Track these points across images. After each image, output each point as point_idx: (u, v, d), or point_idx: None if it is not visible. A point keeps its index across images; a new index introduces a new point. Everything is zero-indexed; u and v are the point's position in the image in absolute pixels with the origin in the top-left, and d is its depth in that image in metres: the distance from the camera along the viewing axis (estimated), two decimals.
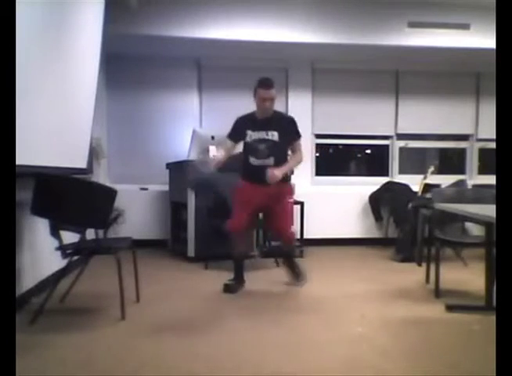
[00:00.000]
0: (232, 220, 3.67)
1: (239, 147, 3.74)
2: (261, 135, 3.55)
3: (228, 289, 3.62)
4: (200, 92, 5.99)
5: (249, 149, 3.60)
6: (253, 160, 3.57)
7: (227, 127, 5.27)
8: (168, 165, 5.42)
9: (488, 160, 6.33)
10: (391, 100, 6.20)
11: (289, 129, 3.62)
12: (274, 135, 3.54)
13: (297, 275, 3.85)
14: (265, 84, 3.52)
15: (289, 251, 3.91)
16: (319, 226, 5.78)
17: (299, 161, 3.69)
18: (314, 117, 6.06)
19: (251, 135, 3.57)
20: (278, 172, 3.40)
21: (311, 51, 5.68)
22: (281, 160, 3.56)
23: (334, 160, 6.72)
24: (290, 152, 3.73)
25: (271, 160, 3.53)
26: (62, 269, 3.06)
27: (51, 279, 3.41)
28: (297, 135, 3.67)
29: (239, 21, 5.18)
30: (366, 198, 5.98)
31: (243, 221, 3.63)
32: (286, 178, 3.67)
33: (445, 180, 5.62)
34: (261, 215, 3.98)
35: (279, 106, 5.89)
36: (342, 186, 6.11)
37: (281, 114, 3.79)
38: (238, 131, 3.65)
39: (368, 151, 6.71)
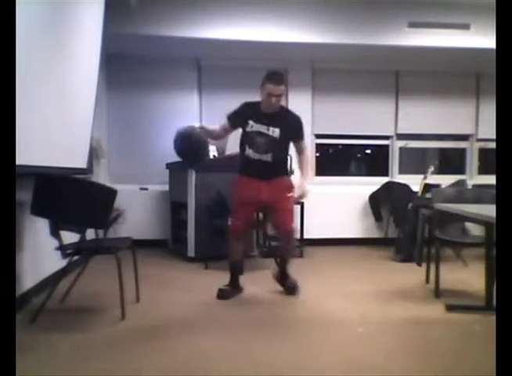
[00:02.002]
0: (233, 221, 3.51)
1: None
2: (262, 128, 3.35)
3: (221, 295, 3.42)
4: (200, 92, 5.99)
5: (247, 139, 3.40)
6: (250, 153, 3.38)
7: None
8: (168, 165, 5.42)
9: (488, 160, 6.33)
10: (391, 100, 6.20)
11: (293, 129, 3.43)
12: (275, 132, 3.34)
13: (287, 287, 3.59)
14: (273, 78, 3.28)
15: (286, 252, 3.63)
16: (319, 226, 5.77)
17: (308, 162, 3.56)
18: (314, 117, 6.06)
19: (252, 126, 3.37)
20: (304, 187, 3.36)
21: (311, 51, 5.68)
22: (280, 158, 3.43)
23: (334, 160, 6.72)
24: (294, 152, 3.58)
25: (268, 157, 3.36)
26: (62, 269, 3.06)
27: (51, 279, 3.41)
28: (301, 136, 3.50)
29: (239, 21, 5.18)
30: (366, 198, 5.98)
31: (245, 221, 3.47)
32: (286, 173, 3.56)
33: (445, 180, 5.61)
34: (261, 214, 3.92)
35: None
36: (342, 186, 6.11)
37: (288, 112, 3.55)
38: (240, 116, 3.43)
39: (368, 151, 6.71)
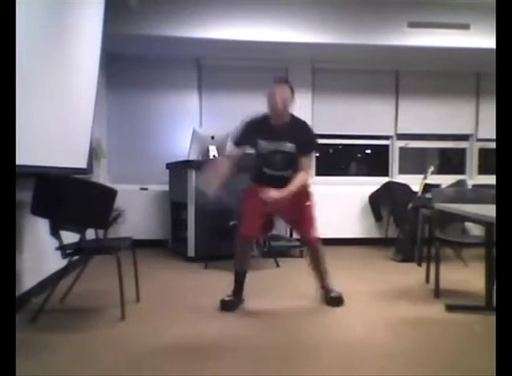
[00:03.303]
0: (244, 225, 3.26)
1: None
2: (277, 146, 3.11)
3: (225, 306, 3.16)
4: (200, 92, 5.99)
5: (263, 159, 3.18)
6: (267, 170, 3.19)
7: (227, 127, 5.29)
8: (168, 165, 5.43)
9: (488, 160, 6.33)
10: (391, 100, 6.20)
11: (305, 140, 3.16)
12: (291, 147, 3.10)
13: (325, 289, 3.34)
14: (276, 80, 3.14)
15: (316, 260, 3.36)
16: (318, 226, 5.75)
17: (302, 181, 3.13)
18: (314, 117, 6.05)
19: (266, 146, 3.13)
20: (276, 195, 2.96)
21: (311, 51, 5.68)
22: (296, 172, 3.15)
23: (334, 160, 6.72)
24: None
25: (286, 173, 3.15)
26: (62, 269, 3.06)
27: (51, 279, 3.41)
28: (313, 149, 3.30)
29: (239, 21, 5.18)
30: (366, 198, 5.98)
31: (256, 226, 3.24)
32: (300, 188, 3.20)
33: (445, 180, 5.62)
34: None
35: None
36: (342, 186, 6.11)
37: (297, 121, 3.21)
38: (247, 137, 3.17)
39: (368, 151, 6.71)
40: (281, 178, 3.14)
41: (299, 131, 3.15)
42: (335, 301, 3.27)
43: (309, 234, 3.35)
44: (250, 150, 3.25)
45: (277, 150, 3.12)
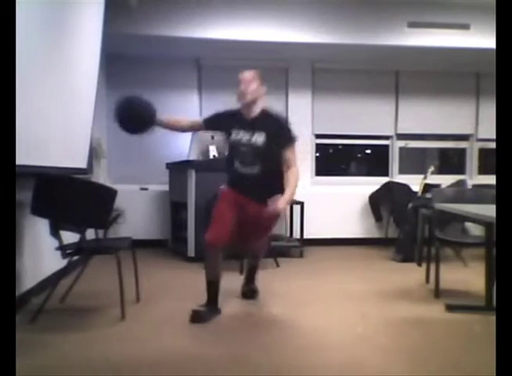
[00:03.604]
0: (210, 231, 2.96)
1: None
2: (246, 136, 2.98)
3: (196, 317, 2.89)
4: (200, 92, 5.99)
5: (233, 150, 3.07)
6: (238, 166, 3.03)
7: None
8: (168, 165, 5.43)
9: (488, 160, 6.33)
10: (391, 100, 6.20)
11: (278, 132, 2.96)
12: (258, 140, 2.93)
13: (251, 291, 3.47)
14: (242, 72, 3.05)
15: (254, 266, 3.49)
16: (319, 226, 5.77)
17: (297, 180, 2.93)
18: (314, 117, 6.06)
19: (237, 134, 3.01)
20: (282, 204, 2.79)
21: (311, 51, 5.68)
22: (269, 170, 2.95)
23: (334, 160, 6.72)
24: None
25: (255, 169, 2.96)
26: (62, 269, 3.06)
27: (51, 279, 3.41)
28: (289, 140, 2.98)
29: (239, 21, 5.18)
30: (366, 198, 5.98)
31: (223, 233, 2.93)
32: (280, 191, 2.92)
33: (445, 180, 5.62)
34: None
35: (279, 106, 5.96)
36: (342, 186, 6.12)
37: (269, 113, 3.06)
38: (219, 120, 3.15)
39: (368, 151, 6.71)
40: (251, 177, 2.99)
41: (271, 123, 3.00)
42: (251, 292, 3.44)
43: (266, 243, 3.47)
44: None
45: (246, 141, 2.98)
